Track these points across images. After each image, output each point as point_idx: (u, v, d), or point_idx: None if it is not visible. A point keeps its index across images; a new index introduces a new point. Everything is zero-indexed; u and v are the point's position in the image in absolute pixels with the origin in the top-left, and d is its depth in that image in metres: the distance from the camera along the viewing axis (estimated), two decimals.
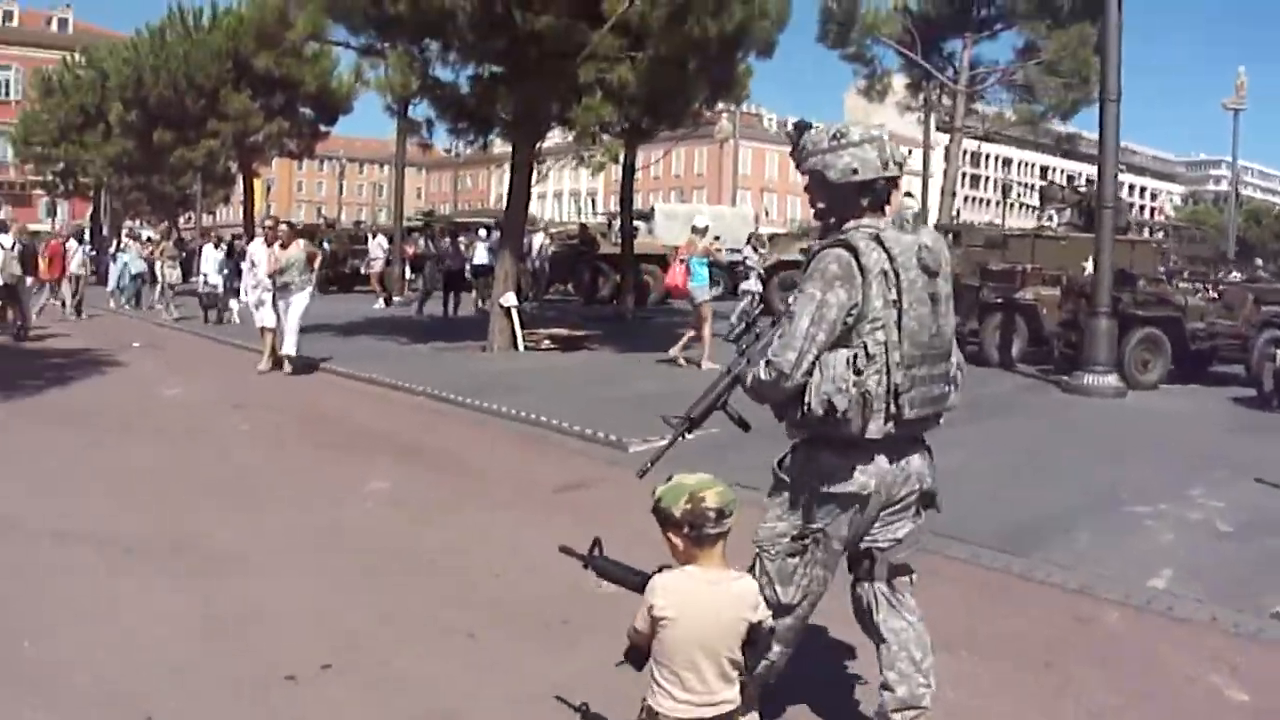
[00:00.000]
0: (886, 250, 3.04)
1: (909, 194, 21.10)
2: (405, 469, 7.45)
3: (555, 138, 18.78)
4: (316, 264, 13.58)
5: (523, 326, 14.72)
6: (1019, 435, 9.55)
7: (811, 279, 3.07)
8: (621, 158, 20.27)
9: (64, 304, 21.02)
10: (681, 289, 13.55)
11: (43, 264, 19.98)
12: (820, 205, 3.25)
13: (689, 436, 3.43)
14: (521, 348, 14.58)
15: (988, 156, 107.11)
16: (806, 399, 3.04)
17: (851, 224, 3.12)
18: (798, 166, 3.25)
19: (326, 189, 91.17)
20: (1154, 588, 5.32)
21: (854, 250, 3.03)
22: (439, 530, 5.99)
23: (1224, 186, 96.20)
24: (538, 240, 25.17)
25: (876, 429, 3.05)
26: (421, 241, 26.92)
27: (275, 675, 3.92)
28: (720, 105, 20.39)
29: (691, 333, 13.47)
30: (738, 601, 2.58)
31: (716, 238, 15.27)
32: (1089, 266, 16.76)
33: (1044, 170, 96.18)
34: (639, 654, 2.69)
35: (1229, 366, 13.76)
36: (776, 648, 3.25)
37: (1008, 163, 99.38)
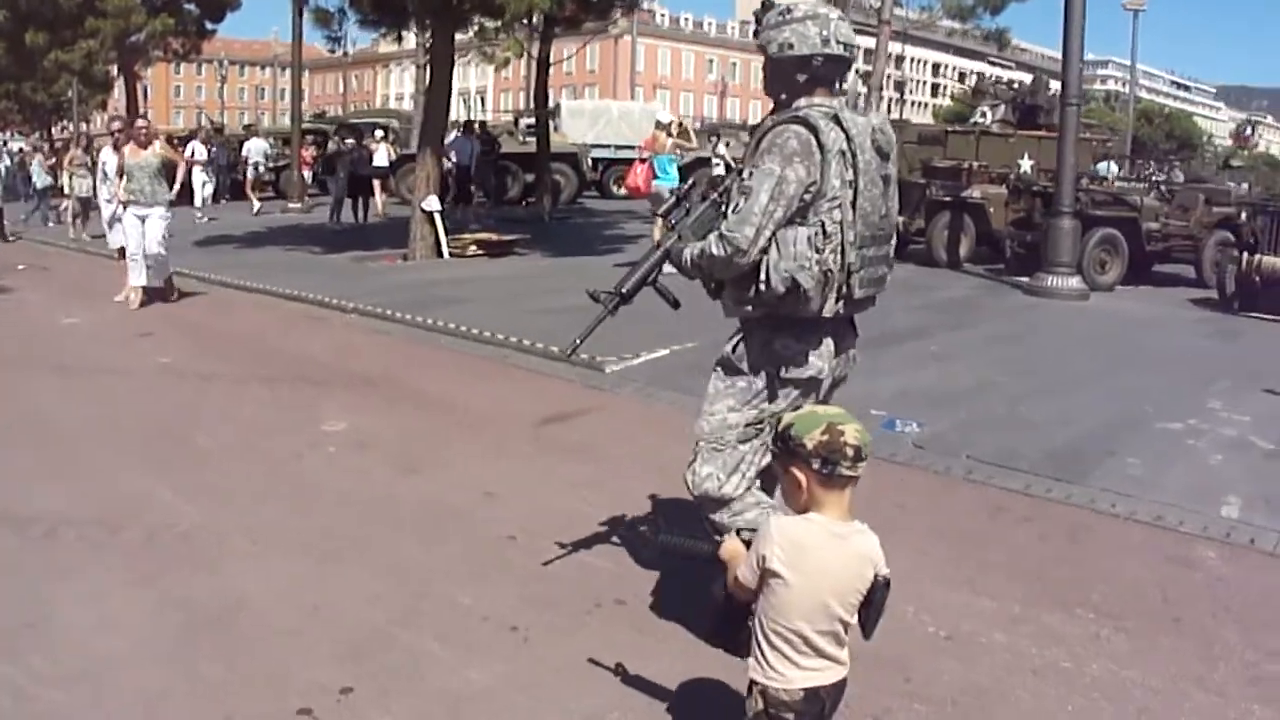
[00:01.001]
0: (845, 130, 3.03)
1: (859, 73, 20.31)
2: (361, 403, 6.47)
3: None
4: (180, 174, 11.05)
5: (446, 232, 13.62)
6: (1005, 344, 9.04)
7: (769, 154, 3.01)
8: (535, 52, 19.01)
9: None
10: (644, 190, 12.51)
11: None
12: (765, 82, 3.23)
13: (618, 312, 3.41)
14: (447, 255, 13.51)
15: (912, 60, 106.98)
16: (763, 276, 3.01)
17: (804, 102, 3.11)
18: (761, 47, 3.21)
19: (206, 93, 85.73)
20: (1229, 518, 4.91)
21: (813, 128, 3.00)
22: (426, 481, 5.07)
23: (1112, 86, 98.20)
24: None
25: (830, 308, 3.07)
26: (330, 145, 25.04)
27: (284, 710, 3.01)
28: None
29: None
30: (862, 558, 2.24)
31: (682, 128, 14.17)
32: (1024, 164, 16.43)
33: (935, 66, 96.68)
34: (732, 624, 2.42)
35: (1174, 266, 13.63)
36: (752, 514, 3.20)
37: (937, 67, 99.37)
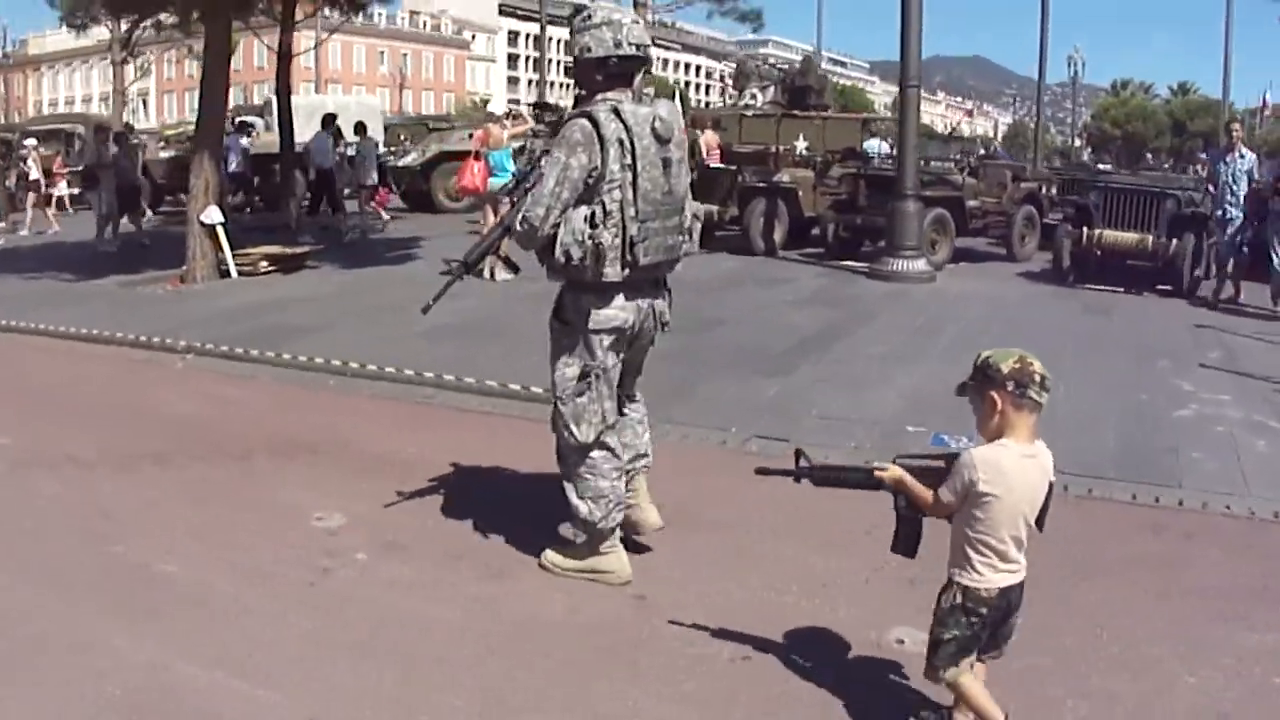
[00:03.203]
0: (623, 121, 3.49)
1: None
2: (328, 480, 4.91)
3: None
4: None
5: (232, 247, 11.61)
6: (929, 336, 8.71)
7: (559, 145, 3.49)
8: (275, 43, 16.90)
9: None
10: (481, 190, 11.16)
11: None
12: (574, 80, 3.69)
13: (465, 278, 3.85)
14: (235, 273, 11.52)
15: (552, 40, 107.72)
16: (555, 249, 3.52)
17: (599, 97, 3.56)
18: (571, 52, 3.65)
19: None
20: None
21: (595, 121, 3.46)
22: (516, 584, 3.80)
23: (773, 64, 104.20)
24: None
25: (614, 273, 3.54)
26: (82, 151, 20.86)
27: None
28: None
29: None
30: (1045, 472, 2.64)
31: (515, 116, 12.78)
32: (799, 145, 16.50)
33: (707, 73, 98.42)
34: (913, 537, 2.83)
35: (967, 241, 14.01)
36: (604, 483, 3.73)
37: (685, 67, 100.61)
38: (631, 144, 3.48)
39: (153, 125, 50.31)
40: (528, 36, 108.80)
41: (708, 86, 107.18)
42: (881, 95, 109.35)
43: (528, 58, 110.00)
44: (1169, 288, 11.22)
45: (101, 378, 7.25)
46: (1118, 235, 11.28)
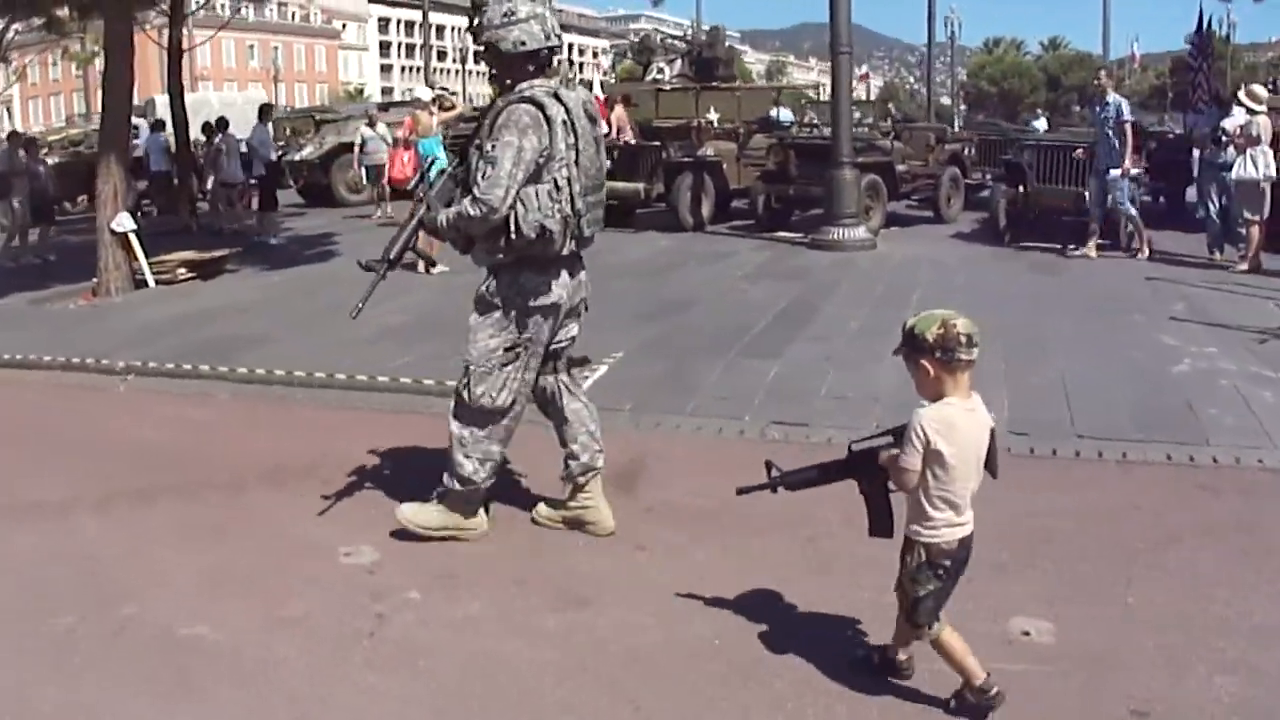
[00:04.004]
0: (564, 104, 3.72)
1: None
2: (343, 511, 4.52)
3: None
4: None
5: (146, 255, 10.85)
6: (894, 307, 8.57)
7: (507, 129, 3.63)
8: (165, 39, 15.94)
9: None
10: (409, 179, 10.59)
11: None
12: (495, 72, 3.88)
13: (386, 278, 3.97)
14: (152, 283, 10.76)
15: (420, 25, 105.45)
16: (513, 228, 3.65)
17: (526, 84, 3.76)
18: (476, 40, 3.91)
19: None
20: None
21: (540, 105, 3.66)
22: (598, 616, 3.47)
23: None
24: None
25: (568, 247, 3.80)
26: None
27: None
28: None
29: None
30: (985, 423, 2.72)
31: (444, 104, 12.14)
32: (712, 115, 16.31)
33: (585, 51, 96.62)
34: (887, 515, 2.87)
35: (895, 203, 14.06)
36: (495, 447, 3.95)
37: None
38: (573, 124, 3.71)
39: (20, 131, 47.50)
40: (399, 23, 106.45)
41: (581, 64, 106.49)
42: (755, 64, 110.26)
43: (400, 44, 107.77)
44: (1105, 242, 11.37)
45: (37, 407, 6.57)
46: (1054, 191, 11.37)
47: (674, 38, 19.92)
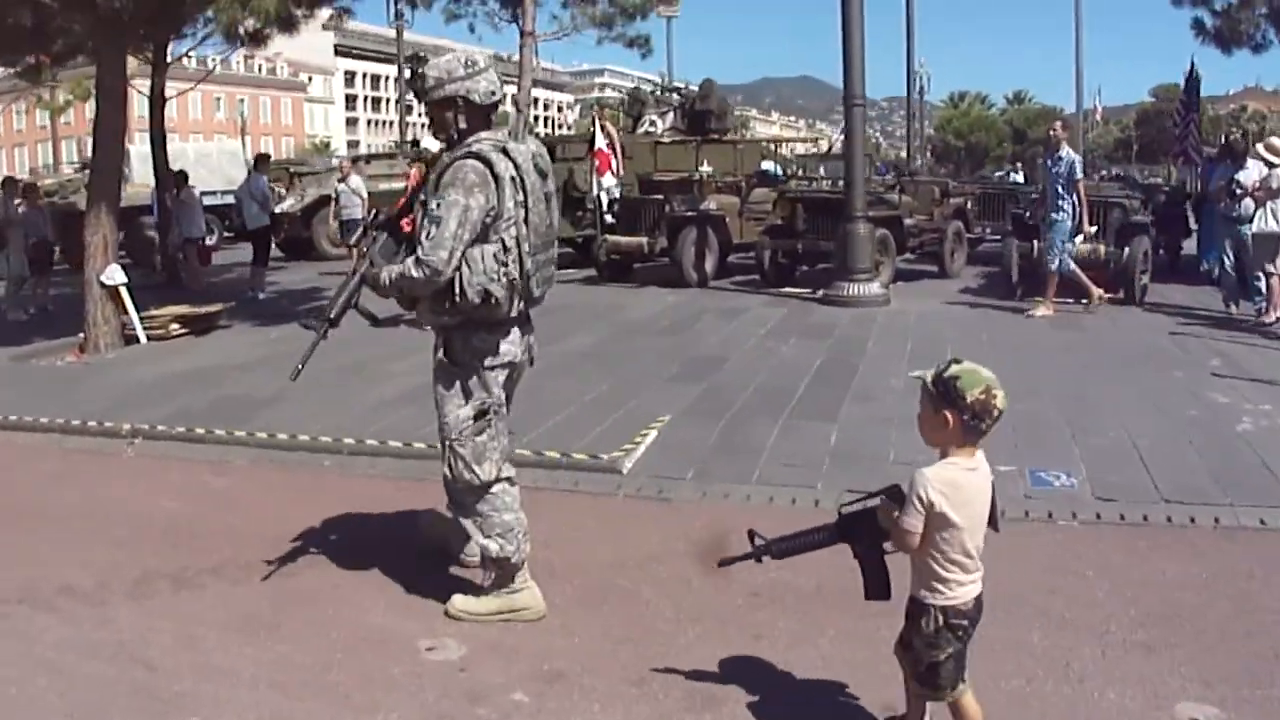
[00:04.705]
0: (512, 159, 3.56)
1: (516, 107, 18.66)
2: (410, 601, 4.14)
3: None
4: None
5: (138, 309, 10.41)
6: (926, 367, 8.32)
7: (453, 187, 3.45)
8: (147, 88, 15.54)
9: None
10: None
11: None
12: (462, 126, 3.63)
13: (328, 338, 3.83)
14: (144, 338, 10.31)
15: (389, 78, 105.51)
16: (458, 290, 3.49)
17: (474, 138, 3.59)
18: (429, 95, 3.62)
19: None
20: None
21: (487, 161, 3.49)
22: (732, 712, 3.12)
23: (609, 93, 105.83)
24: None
25: (516, 309, 3.64)
26: None
27: None
28: None
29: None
30: (988, 479, 2.64)
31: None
32: (706, 169, 16.16)
33: (559, 106, 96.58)
34: (883, 578, 2.78)
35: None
36: (509, 515, 3.72)
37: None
38: (521, 180, 3.56)
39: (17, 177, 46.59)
40: (364, 76, 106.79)
41: (546, 118, 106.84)
42: None
43: (366, 98, 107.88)
44: (1119, 295, 11.26)
45: (42, 474, 6.08)
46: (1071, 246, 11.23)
47: (667, 90, 19.81)
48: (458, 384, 3.66)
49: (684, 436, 6.17)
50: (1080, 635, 3.58)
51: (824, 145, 21.97)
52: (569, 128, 68.95)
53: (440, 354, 3.71)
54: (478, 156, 3.49)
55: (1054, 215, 10.39)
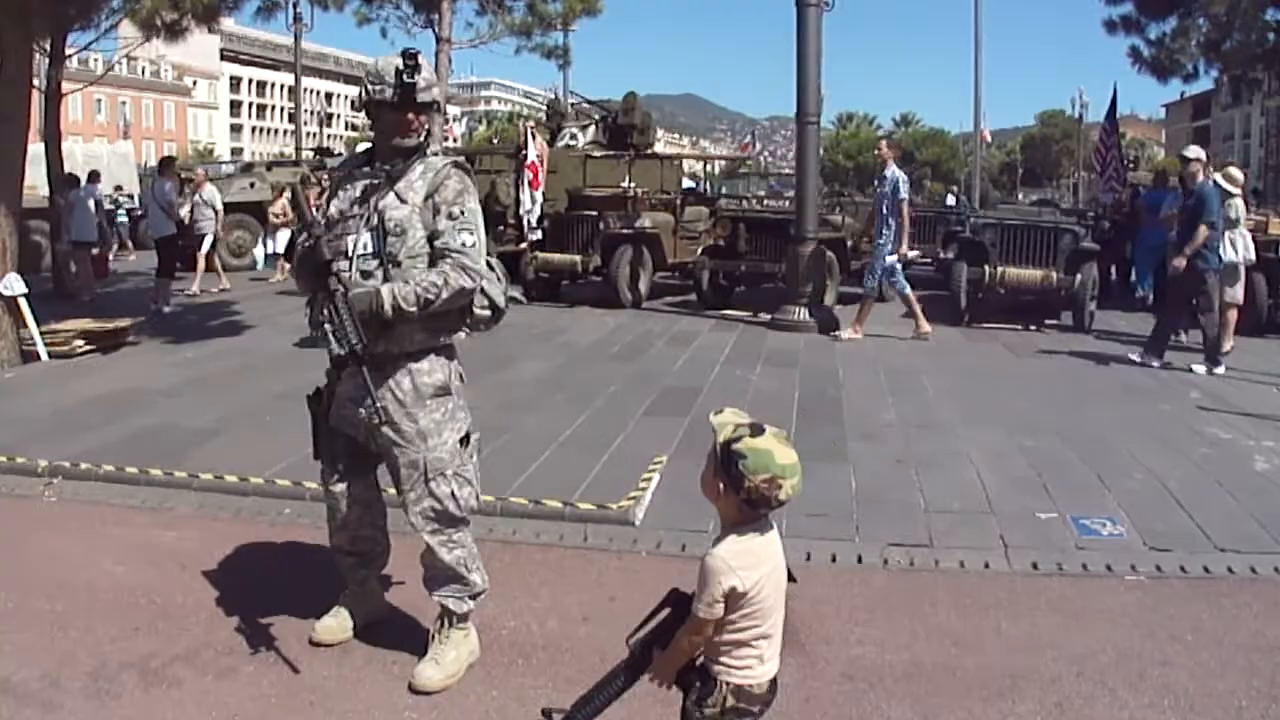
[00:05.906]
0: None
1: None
2: (385, 666, 3.51)
3: None
4: None
5: (38, 322, 9.41)
6: (911, 396, 8.09)
7: (469, 194, 3.38)
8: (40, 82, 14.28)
9: None
10: None
11: None
12: (429, 130, 3.57)
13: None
14: (44, 355, 9.31)
15: (275, 85, 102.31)
16: (485, 300, 3.44)
17: (429, 144, 3.51)
18: (420, 96, 3.33)
19: None
20: None
21: (469, 171, 3.46)
22: None
23: (495, 106, 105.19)
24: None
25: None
26: None
27: None
28: None
29: None
30: (778, 543, 2.34)
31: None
32: (628, 185, 15.74)
33: (329, 96, 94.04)
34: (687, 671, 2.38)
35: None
36: (475, 547, 3.58)
37: (330, 96, 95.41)
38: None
39: None
40: (250, 82, 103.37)
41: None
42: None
43: (251, 104, 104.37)
44: (1064, 322, 11.23)
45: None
46: (1020, 272, 11.15)
47: (589, 102, 19.28)
48: (448, 408, 3.45)
49: (689, 481, 5.63)
50: (1216, 717, 3.27)
51: (750, 164, 21.73)
52: (455, 140, 68.07)
53: (423, 380, 3.41)
54: (460, 166, 3.41)
55: (881, 234, 10.33)
